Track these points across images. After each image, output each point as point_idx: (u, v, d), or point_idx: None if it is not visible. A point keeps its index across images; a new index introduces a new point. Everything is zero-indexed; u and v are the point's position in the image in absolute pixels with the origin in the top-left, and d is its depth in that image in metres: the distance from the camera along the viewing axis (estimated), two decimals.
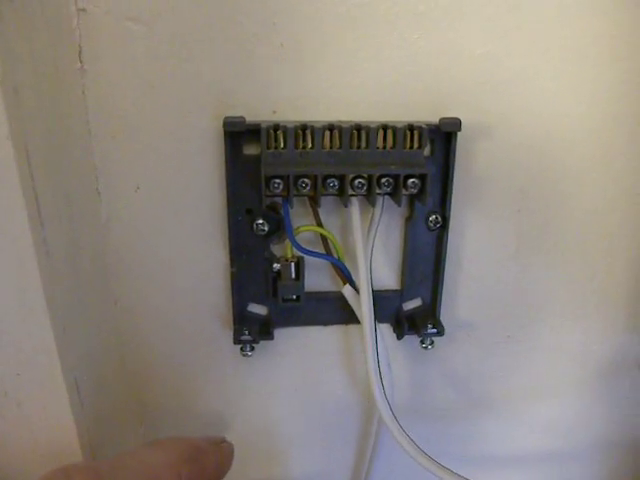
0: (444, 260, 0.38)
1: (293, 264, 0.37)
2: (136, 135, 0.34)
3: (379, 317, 0.37)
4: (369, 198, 0.34)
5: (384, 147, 0.33)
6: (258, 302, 0.38)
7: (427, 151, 0.35)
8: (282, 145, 0.32)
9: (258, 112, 0.34)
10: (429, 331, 0.39)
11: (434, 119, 0.34)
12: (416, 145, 0.33)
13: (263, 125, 0.32)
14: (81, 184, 0.34)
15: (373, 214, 0.36)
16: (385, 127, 0.33)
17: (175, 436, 0.30)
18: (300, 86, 0.34)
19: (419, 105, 0.35)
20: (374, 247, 0.37)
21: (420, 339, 0.40)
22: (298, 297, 0.37)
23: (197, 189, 0.36)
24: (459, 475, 0.35)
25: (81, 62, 0.32)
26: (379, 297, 0.37)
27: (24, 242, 0.28)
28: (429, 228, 0.37)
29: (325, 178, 0.33)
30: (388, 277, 0.39)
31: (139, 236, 0.36)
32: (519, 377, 0.44)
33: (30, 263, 0.28)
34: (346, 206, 0.35)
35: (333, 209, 0.37)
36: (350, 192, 0.34)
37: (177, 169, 0.35)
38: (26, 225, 0.27)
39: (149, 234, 0.36)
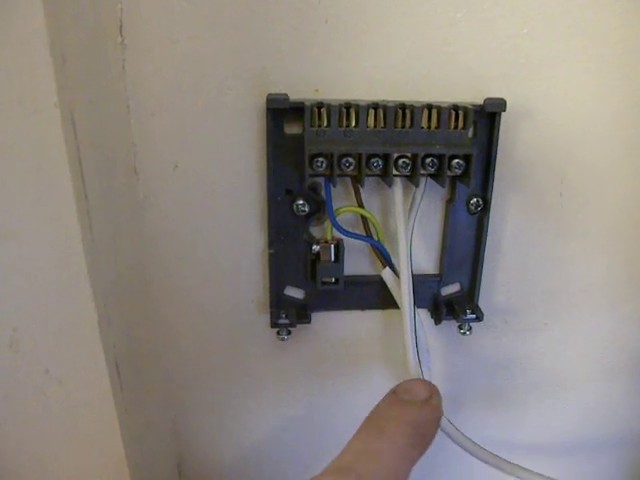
0: (484, 244, 0.37)
1: (333, 246, 0.36)
2: (175, 112, 0.33)
3: (417, 302, 0.36)
4: (412, 178, 0.34)
5: (429, 127, 0.33)
6: (295, 285, 0.38)
7: (470, 133, 0.35)
8: (326, 123, 0.32)
9: (300, 90, 0.33)
10: (468, 317, 0.38)
11: (475, 100, 0.34)
12: (461, 125, 0.33)
13: (307, 103, 0.32)
14: (119, 161, 0.33)
15: (415, 195, 0.35)
16: (430, 107, 0.32)
17: (387, 414, 0.28)
18: (343, 64, 0.33)
19: (460, 86, 0.34)
20: (414, 230, 0.36)
21: (458, 325, 0.39)
22: (337, 280, 0.37)
23: (236, 168, 0.35)
24: (507, 461, 0.34)
25: (122, 36, 0.32)
26: (417, 282, 0.37)
27: (69, 213, 0.27)
28: (470, 211, 0.37)
29: (369, 158, 0.33)
30: (427, 261, 0.39)
31: (175, 215, 0.36)
32: (554, 364, 0.44)
33: (74, 235, 0.27)
34: (390, 186, 0.34)
35: (373, 190, 0.36)
36: (394, 172, 0.33)
37: (216, 148, 0.34)
38: (71, 195, 0.27)
39: (185, 213, 0.36)
